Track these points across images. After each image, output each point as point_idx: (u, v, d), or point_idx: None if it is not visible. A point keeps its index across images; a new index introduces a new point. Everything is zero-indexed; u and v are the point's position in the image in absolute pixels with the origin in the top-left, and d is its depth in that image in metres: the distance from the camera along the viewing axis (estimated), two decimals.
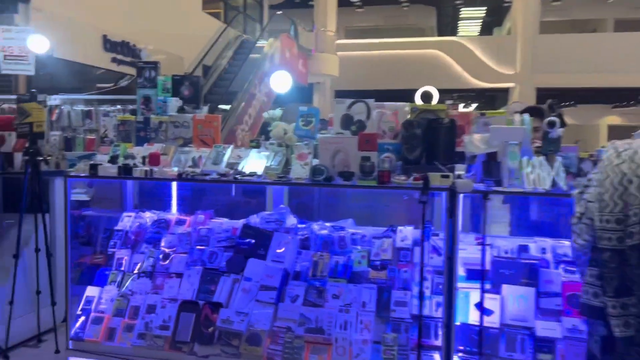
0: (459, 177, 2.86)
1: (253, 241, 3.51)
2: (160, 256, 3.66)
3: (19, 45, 5.44)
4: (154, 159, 3.45)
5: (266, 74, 13.16)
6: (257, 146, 3.83)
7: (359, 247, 3.40)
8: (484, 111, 3.08)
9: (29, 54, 5.47)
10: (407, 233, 3.38)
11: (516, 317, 2.93)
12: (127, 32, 10.68)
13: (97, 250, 3.88)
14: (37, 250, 3.99)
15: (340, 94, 16.14)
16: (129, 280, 3.62)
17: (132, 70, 10.21)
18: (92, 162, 3.47)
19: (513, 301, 2.95)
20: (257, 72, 12.65)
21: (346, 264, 3.33)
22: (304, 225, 3.63)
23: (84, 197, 5.00)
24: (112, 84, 9.20)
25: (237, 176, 3.29)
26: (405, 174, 3.01)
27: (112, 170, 3.41)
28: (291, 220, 3.67)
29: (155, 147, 3.61)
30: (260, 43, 14.35)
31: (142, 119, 3.85)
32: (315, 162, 3.18)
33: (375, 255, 3.33)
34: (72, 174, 3.52)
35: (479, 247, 3.02)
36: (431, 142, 3.02)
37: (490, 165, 2.90)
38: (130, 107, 5.17)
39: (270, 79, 4.65)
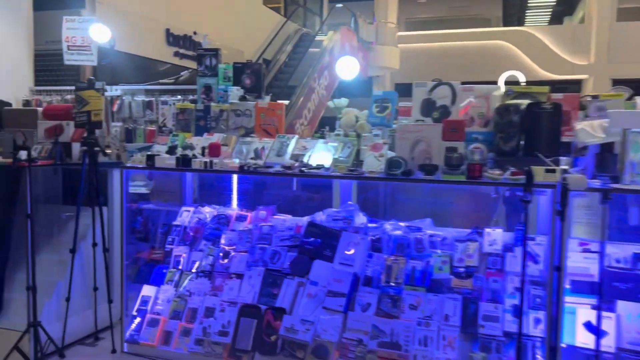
0: (565, 171, 2.38)
1: (319, 241, 3.14)
2: (220, 254, 3.36)
3: (82, 35, 5.31)
4: (214, 150, 3.14)
5: (325, 67, 12.86)
6: (322, 137, 3.47)
7: (439, 251, 2.96)
8: (597, 93, 2.56)
9: (91, 44, 5.33)
10: (495, 236, 2.91)
11: (636, 341, 2.41)
12: (190, 26, 10.61)
13: (154, 246, 3.64)
14: (94, 245, 3.79)
15: (400, 87, 15.61)
16: (186, 280, 3.35)
17: (193, 64, 10.13)
18: (149, 153, 3.20)
19: (631, 321, 2.44)
20: (317, 66, 12.36)
21: (425, 270, 2.90)
22: (375, 225, 3.22)
23: (144, 190, 4.80)
24: (174, 77, 9.10)
25: (303, 169, 2.93)
26: (499, 167, 2.55)
27: (170, 161, 3.13)
28: (360, 219, 3.28)
29: (216, 137, 3.31)
30: (319, 37, 14.04)
31: (202, 107, 3.56)
32: (391, 154, 2.77)
33: (458, 261, 2.88)
34: (129, 164, 3.26)
35: (585, 254, 2.52)
36: (530, 130, 2.53)
37: (605, 157, 2.39)
38: (191, 97, 4.93)
39: (336, 65, 4.26)
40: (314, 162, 3.05)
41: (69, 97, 5.33)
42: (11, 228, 3.44)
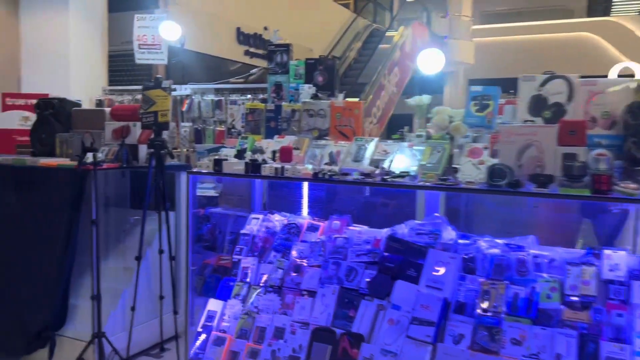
0: None
1: (402, 258, 2.75)
2: (291, 268, 3.04)
3: (152, 33, 5.18)
4: (285, 154, 2.82)
5: (396, 63, 12.38)
6: (401, 138, 3.08)
7: (546, 276, 2.48)
8: None
9: (162, 43, 5.19)
10: (618, 259, 2.40)
11: None
12: (260, 23, 10.47)
13: (222, 256, 3.37)
14: (160, 251, 3.60)
15: (474, 83, 14.77)
16: (254, 295, 3.05)
17: (263, 63, 10.00)
18: (216, 156, 2.93)
19: None
20: (387, 62, 11.93)
21: (529, 298, 2.43)
22: (466, 242, 2.78)
23: (213, 193, 4.59)
24: (244, 76, 8.95)
25: (385, 177, 2.54)
26: (630, 178, 2.06)
27: (238, 167, 2.84)
28: (449, 234, 2.85)
29: (287, 140, 2.99)
30: (390, 32, 13.57)
31: (273, 106, 3.25)
32: (493, 161, 2.33)
33: (571, 288, 2.39)
34: (195, 170, 3.01)
35: None
36: None
37: None
38: (261, 96, 4.66)
39: (417, 57, 3.84)
40: (396, 168, 2.66)
41: (139, 96, 5.22)
42: (77, 233, 3.29)
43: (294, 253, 3.09)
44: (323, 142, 2.99)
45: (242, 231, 3.33)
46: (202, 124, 5.00)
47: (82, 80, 6.00)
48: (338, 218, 3.17)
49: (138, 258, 3.45)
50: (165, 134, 3.55)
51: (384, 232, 2.96)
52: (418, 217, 3.04)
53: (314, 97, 3.43)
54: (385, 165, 2.71)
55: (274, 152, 2.91)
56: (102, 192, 3.59)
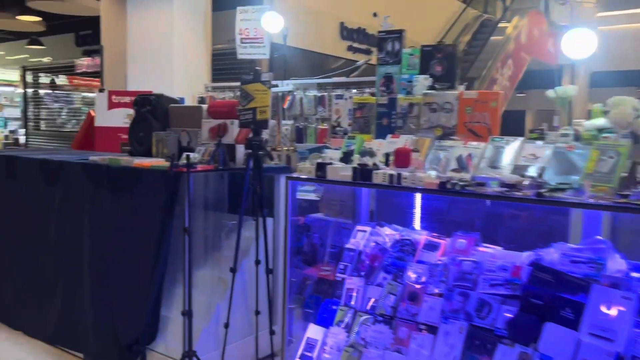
0: None
1: (553, 294, 2.11)
2: (405, 295, 2.50)
3: (255, 26, 4.87)
4: (402, 158, 2.28)
5: (510, 55, 11.39)
6: (540, 138, 2.43)
7: None
8: None
9: (264, 36, 4.86)
10: None
11: None
12: (364, 18, 10.00)
13: (323, 272, 2.92)
14: (257, 262, 3.21)
15: (598, 76, 13.29)
16: (361, 323, 2.56)
17: (366, 58, 9.55)
18: (319, 159, 2.46)
19: None
20: (499, 55, 10.97)
21: None
22: None
23: (313, 196, 4.15)
24: (352, 68, 8.48)
25: (540, 190, 1.92)
26: None
27: (345, 172, 2.35)
28: (617, 263, 2.15)
29: (403, 140, 2.45)
30: (503, 23, 12.51)
31: (386, 100, 2.72)
32: None
33: None
34: (294, 175, 2.57)
35: None
36: None
37: None
38: (367, 90, 4.14)
39: (562, 40, 3.13)
40: (550, 177, 2.03)
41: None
42: (169, 240, 2.99)
43: (409, 276, 2.55)
44: (448, 142, 2.42)
45: (347, 246, 2.85)
46: (304, 122, 4.60)
47: (185, 78, 5.87)
48: (464, 235, 2.58)
49: (233, 270, 3.08)
50: (264, 133, 3.15)
51: (525, 256, 2.33)
52: (572, 239, 2.36)
53: (430, 88, 2.86)
54: (533, 173, 2.09)
55: (387, 155, 2.39)
56: (197, 195, 3.27)
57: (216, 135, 3.27)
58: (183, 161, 2.93)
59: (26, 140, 14.08)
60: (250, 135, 3.16)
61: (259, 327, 3.25)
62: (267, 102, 3.09)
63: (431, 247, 2.64)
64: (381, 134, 2.67)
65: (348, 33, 9.84)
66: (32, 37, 11.82)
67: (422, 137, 2.45)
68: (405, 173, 2.19)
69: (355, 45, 9.97)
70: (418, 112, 2.59)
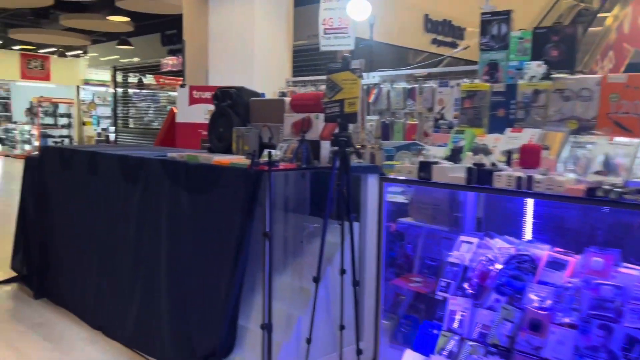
0: None
1: None
2: (525, 323, 2.05)
3: (339, 16, 4.52)
4: (530, 157, 1.83)
5: (611, 47, 10.37)
6: None
7: None
8: None
9: (348, 26, 4.50)
10: None
11: None
12: (449, 9, 9.42)
13: (418, 286, 2.52)
14: (342, 272, 2.86)
15: None
16: (468, 353, 2.13)
17: (451, 52, 8.98)
18: (421, 157, 2.06)
19: None
20: (599, 46, 10.01)
21: None
22: None
23: (401, 199, 3.74)
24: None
25: None
26: None
27: (456, 174, 1.93)
28: None
29: (529, 135, 2.00)
30: (602, 13, 11.41)
31: (503, 87, 2.27)
32: None
33: None
34: (391, 176, 2.18)
35: None
36: None
37: None
38: (466, 81, 3.67)
39: None
40: None
41: (323, 87, 4.61)
42: (248, 244, 2.71)
43: (530, 299, 2.09)
44: (586, 138, 1.94)
45: (450, 259, 2.42)
46: (391, 117, 4.19)
47: (266, 74, 5.65)
48: (599, 252, 2.08)
49: (316, 280, 2.75)
50: (350, 128, 2.79)
51: None
52: None
53: (544, 76, 2.38)
54: None
55: (508, 153, 1.94)
56: (278, 196, 2.98)
57: (299, 131, 2.95)
58: (264, 159, 2.64)
59: (116, 137, 14.70)
60: (337, 130, 2.81)
61: (344, 343, 2.91)
62: (356, 92, 2.72)
63: (556, 265, 2.17)
64: (496, 127, 2.23)
65: (433, 25, 9.31)
66: (122, 38, 12.22)
67: (552, 131, 1.98)
68: (537, 176, 1.74)
69: (440, 38, 9.42)
70: (545, 101, 2.12)
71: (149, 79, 14.97)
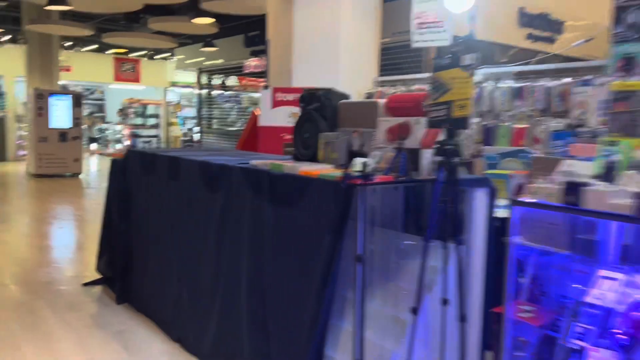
0: None
1: None
2: None
3: (435, 8, 4.07)
4: None
5: None
6: None
7: None
8: None
9: (445, 19, 4.04)
10: None
11: None
12: (546, 1, 8.61)
13: (547, 329, 2.06)
14: (444, 302, 2.45)
15: None
16: None
17: (548, 47, 8.20)
18: (568, 177, 1.62)
19: None
20: None
21: None
22: None
23: (503, 213, 3.25)
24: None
25: None
26: None
27: (619, 200, 1.47)
28: None
29: None
30: None
31: None
32: None
33: None
34: (527, 200, 1.75)
35: None
36: None
37: None
38: (585, 77, 3.12)
39: None
40: None
41: (415, 87, 4.19)
42: (337, 266, 2.38)
43: None
44: None
45: (586, 299, 1.95)
46: (494, 120, 3.71)
47: (352, 74, 5.31)
48: None
49: (415, 310, 2.37)
50: (460, 135, 2.38)
51: None
52: None
53: None
54: None
55: None
56: (372, 211, 2.62)
57: (396, 137, 2.58)
58: (356, 169, 2.30)
59: (200, 138, 15.03)
60: (442, 137, 2.41)
61: None
62: (468, 93, 2.31)
63: None
64: None
65: (528, 19, 8.54)
66: (207, 40, 12.40)
67: None
68: None
69: (536, 32, 8.63)
70: None
71: (232, 81, 15.16)
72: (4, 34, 15.06)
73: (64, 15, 12.36)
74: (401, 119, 2.59)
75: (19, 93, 16.36)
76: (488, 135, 3.79)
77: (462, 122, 2.33)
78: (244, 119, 14.35)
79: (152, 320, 3.85)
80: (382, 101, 2.78)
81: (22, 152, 15.58)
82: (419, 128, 2.52)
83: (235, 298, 2.98)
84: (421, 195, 2.71)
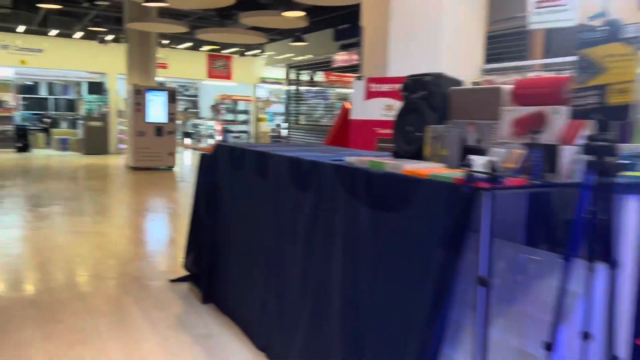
0: None
1: None
2: None
3: None
4: None
5: None
6: None
7: None
8: None
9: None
10: None
11: None
12: None
13: None
14: (585, 336, 1.97)
15: None
16: None
17: None
18: None
19: None
20: None
21: None
22: None
23: None
24: None
25: None
26: None
27: None
28: None
29: None
30: None
31: None
32: None
33: None
34: None
35: None
36: None
37: None
38: None
39: None
40: None
41: (531, 75, 3.63)
42: (452, 288, 1.96)
43: None
44: None
45: None
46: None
47: (455, 62, 4.80)
48: None
49: (549, 346, 1.90)
50: (617, 128, 1.88)
51: None
52: None
53: None
54: None
55: None
56: (495, 222, 2.17)
57: (527, 131, 2.11)
58: (480, 170, 1.87)
59: (288, 134, 15.01)
60: (590, 131, 1.92)
61: None
62: (631, 74, 1.80)
63: None
64: None
65: None
66: (296, 35, 12.27)
67: None
68: None
69: None
70: None
71: (319, 76, 14.99)
72: (107, 33, 15.95)
73: (161, 13, 12.83)
74: (533, 108, 2.11)
75: (120, 90, 17.32)
76: (623, 130, 3.16)
77: (621, 112, 1.82)
78: (330, 115, 14.13)
79: (237, 324, 3.64)
80: (506, 87, 2.31)
81: (122, 146, 16.46)
82: (558, 119, 2.04)
83: (325, 310, 2.66)
84: (545, 199, 2.22)
